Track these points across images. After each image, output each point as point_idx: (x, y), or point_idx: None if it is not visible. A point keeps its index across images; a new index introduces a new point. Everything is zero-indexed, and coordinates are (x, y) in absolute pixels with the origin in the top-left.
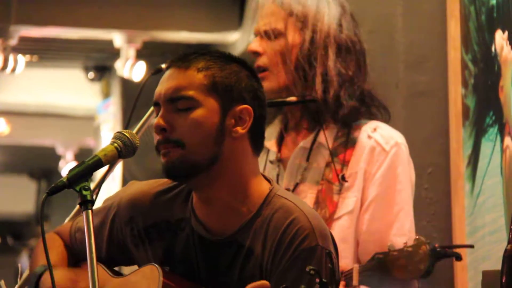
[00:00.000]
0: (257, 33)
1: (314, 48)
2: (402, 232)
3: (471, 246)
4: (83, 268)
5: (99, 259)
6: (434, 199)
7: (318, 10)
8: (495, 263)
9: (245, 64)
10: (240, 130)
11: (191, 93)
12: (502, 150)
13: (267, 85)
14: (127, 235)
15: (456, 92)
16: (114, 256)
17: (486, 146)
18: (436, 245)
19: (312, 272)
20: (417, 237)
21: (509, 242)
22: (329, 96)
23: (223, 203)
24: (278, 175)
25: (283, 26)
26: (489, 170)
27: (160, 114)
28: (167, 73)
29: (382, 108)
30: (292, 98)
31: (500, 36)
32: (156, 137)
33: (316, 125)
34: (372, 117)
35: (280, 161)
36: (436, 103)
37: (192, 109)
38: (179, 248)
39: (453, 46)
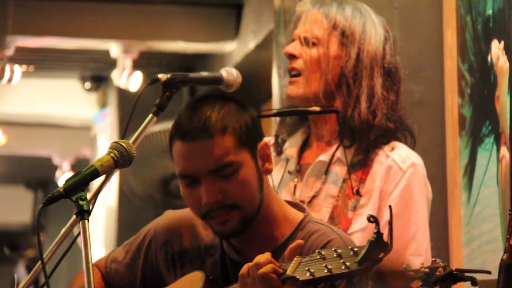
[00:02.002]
0: (296, 38)
1: (360, 67)
2: (419, 252)
3: (488, 272)
4: None
5: (133, 287)
6: (430, 209)
7: (365, 30)
8: (492, 273)
9: (232, 99)
10: (269, 166)
11: (231, 158)
12: (498, 160)
13: (295, 91)
14: (161, 259)
15: (452, 102)
16: (148, 283)
17: (483, 156)
18: (454, 269)
19: (372, 219)
20: (434, 259)
21: (505, 252)
22: (375, 118)
23: (260, 233)
24: (295, 186)
25: (325, 36)
26: (485, 180)
27: (205, 188)
28: (190, 147)
29: (409, 134)
30: (315, 108)
31: (496, 46)
32: (201, 209)
33: (337, 140)
34: (396, 139)
35: (299, 171)
36: (433, 112)
37: (236, 172)
38: (207, 272)
39: (450, 56)
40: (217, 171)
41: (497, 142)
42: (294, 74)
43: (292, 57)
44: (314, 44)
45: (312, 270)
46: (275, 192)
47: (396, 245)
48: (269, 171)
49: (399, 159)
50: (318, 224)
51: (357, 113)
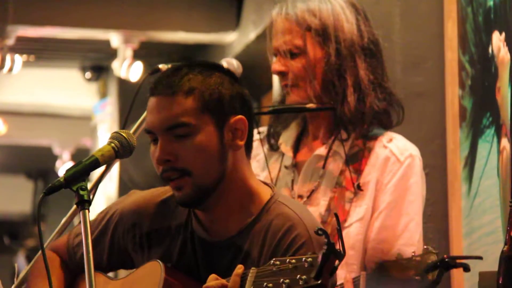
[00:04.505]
0: (277, 52)
1: (341, 59)
2: (411, 242)
3: (480, 258)
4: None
5: (99, 268)
6: (430, 200)
7: (336, 19)
8: (492, 264)
9: (224, 70)
10: (239, 142)
11: (187, 119)
12: (499, 151)
13: (294, 98)
14: (128, 241)
15: (453, 93)
16: (115, 264)
17: (483, 147)
18: (445, 256)
19: (320, 232)
20: (426, 246)
21: (505, 243)
22: (365, 106)
23: (226, 209)
24: (293, 181)
25: (302, 43)
26: (486, 171)
27: (159, 145)
28: (154, 101)
29: (398, 107)
30: (311, 105)
31: (497, 38)
32: (159, 167)
33: (333, 133)
34: (387, 117)
35: (295, 166)
36: (433, 104)
37: (191, 135)
38: (176, 250)
39: (450, 47)
40: (171, 130)
41: (498, 134)
42: (287, 87)
43: (281, 74)
44: (295, 54)
45: (270, 286)
46: (248, 170)
47: (389, 234)
48: (237, 147)
49: (397, 150)
50: (282, 205)
51: (347, 107)
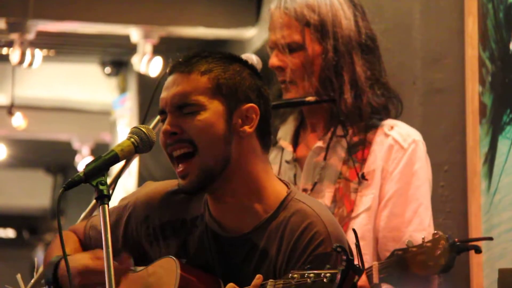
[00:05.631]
0: (274, 46)
1: (338, 56)
2: (422, 227)
3: (490, 239)
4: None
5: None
6: (450, 197)
7: (335, 15)
8: (511, 261)
9: (246, 63)
10: (247, 129)
11: (196, 98)
12: None
13: (292, 95)
14: (142, 233)
15: (473, 90)
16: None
17: (503, 144)
18: (456, 240)
19: (338, 249)
20: (436, 232)
21: None
22: (362, 103)
23: (236, 203)
24: (295, 175)
25: (301, 39)
26: (505, 168)
27: (167, 120)
28: (171, 78)
29: (397, 100)
30: (311, 98)
31: None
32: (164, 142)
33: (333, 124)
34: (386, 112)
35: (297, 160)
36: (453, 100)
37: (197, 112)
38: (193, 244)
39: (471, 44)
40: (181, 108)
41: None
42: (285, 83)
43: (279, 69)
44: (293, 49)
45: None
46: (260, 164)
47: (399, 222)
48: (245, 134)
49: (399, 138)
50: (300, 203)
51: (344, 104)
